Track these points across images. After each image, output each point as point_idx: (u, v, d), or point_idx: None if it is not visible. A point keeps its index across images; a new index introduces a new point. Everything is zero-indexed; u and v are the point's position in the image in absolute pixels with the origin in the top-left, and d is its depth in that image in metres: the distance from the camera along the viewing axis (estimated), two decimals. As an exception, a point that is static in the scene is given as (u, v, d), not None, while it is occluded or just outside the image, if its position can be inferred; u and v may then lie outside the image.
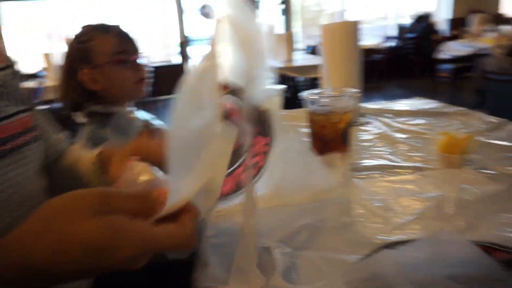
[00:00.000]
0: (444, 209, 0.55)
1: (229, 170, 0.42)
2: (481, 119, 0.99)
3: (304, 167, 0.54)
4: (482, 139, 0.82)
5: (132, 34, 1.03)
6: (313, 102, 0.69)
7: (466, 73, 4.41)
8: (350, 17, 6.87)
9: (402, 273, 0.35)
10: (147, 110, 1.13)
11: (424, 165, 0.72)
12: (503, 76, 3.28)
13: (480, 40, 4.23)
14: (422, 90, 5.43)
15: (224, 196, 0.43)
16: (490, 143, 0.80)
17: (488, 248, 0.41)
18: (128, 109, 1.05)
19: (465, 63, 4.35)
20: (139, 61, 1.01)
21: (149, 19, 6.18)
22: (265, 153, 0.47)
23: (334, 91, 0.72)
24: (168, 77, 2.12)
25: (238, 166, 0.43)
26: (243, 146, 0.41)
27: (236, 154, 0.41)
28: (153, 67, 1.12)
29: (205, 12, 5.66)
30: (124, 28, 1.02)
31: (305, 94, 0.70)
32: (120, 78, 0.98)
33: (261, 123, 0.46)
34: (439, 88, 4.89)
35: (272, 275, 0.42)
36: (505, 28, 4.30)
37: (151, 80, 1.08)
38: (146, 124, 1.05)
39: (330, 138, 0.68)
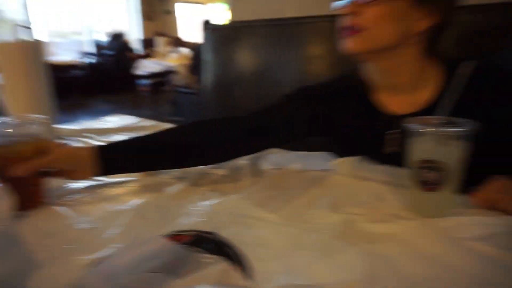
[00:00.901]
0: (146, 214, 0.63)
1: None
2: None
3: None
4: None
5: None
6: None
7: (162, 87, 5.02)
8: (37, 29, 6.23)
9: (105, 285, 0.38)
10: None
11: (129, 178, 0.78)
12: (188, 89, 3.97)
13: (167, 59, 4.90)
14: (127, 104, 5.71)
15: None
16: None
17: (176, 236, 0.51)
18: None
19: (159, 78, 4.94)
20: None
21: None
22: None
23: (19, 118, 0.66)
24: None
25: None
26: None
27: None
28: None
29: None
30: None
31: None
32: None
33: None
34: (141, 101, 5.30)
35: None
36: (184, 49, 5.20)
37: None
38: None
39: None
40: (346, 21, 0.70)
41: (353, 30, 0.69)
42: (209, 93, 1.60)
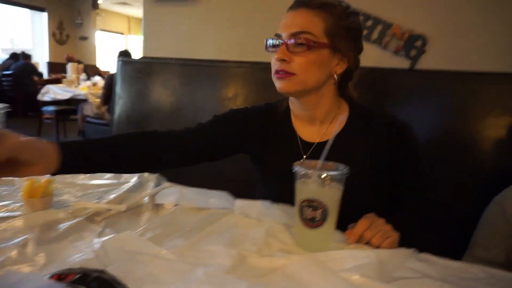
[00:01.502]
0: (28, 252, 0.58)
1: None
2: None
3: None
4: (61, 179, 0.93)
5: None
6: None
7: (70, 116, 4.67)
8: None
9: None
10: None
11: (12, 213, 0.72)
12: (98, 119, 3.78)
13: (78, 87, 4.62)
14: (28, 131, 5.16)
15: None
16: (70, 182, 0.92)
17: (61, 275, 0.49)
18: None
19: (67, 106, 4.60)
20: None
21: None
22: None
23: None
24: None
25: None
26: None
27: None
28: None
29: None
30: None
31: None
32: None
33: None
34: (45, 128, 4.85)
35: None
36: (97, 78, 4.98)
37: None
38: None
39: None
40: (278, 65, 0.79)
41: (284, 74, 0.78)
42: (121, 126, 1.56)
